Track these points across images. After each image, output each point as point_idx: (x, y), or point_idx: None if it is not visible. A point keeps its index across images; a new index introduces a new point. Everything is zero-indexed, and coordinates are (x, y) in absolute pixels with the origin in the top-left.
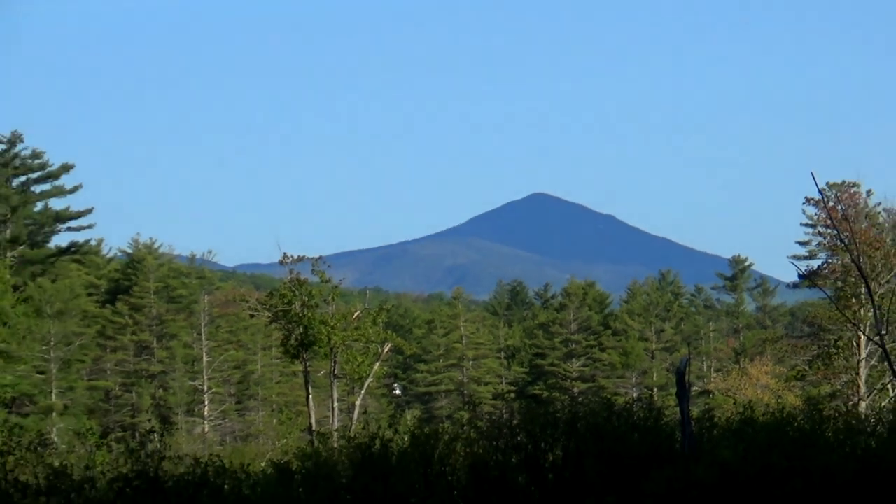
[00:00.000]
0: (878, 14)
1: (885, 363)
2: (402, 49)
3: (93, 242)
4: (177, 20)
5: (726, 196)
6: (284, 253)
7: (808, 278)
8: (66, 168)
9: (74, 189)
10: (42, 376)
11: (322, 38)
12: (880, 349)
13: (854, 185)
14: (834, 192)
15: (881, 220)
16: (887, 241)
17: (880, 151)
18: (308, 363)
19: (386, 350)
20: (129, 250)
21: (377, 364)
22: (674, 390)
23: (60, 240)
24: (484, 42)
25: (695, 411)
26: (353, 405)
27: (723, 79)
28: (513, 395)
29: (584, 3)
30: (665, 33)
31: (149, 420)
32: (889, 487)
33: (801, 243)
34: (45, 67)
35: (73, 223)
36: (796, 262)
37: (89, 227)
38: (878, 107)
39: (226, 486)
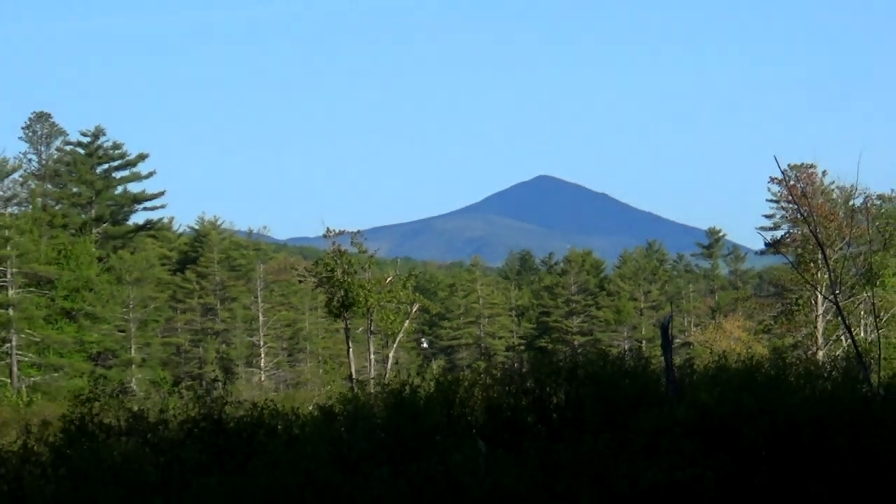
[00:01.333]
0: (845, 8)
1: (839, 318)
2: (418, 48)
3: (165, 220)
4: (219, 19)
5: (704, 176)
6: (328, 228)
7: (773, 246)
8: (141, 157)
9: (149, 175)
10: (123, 334)
11: (336, 34)
12: (834, 306)
13: (811, 166)
14: (794, 172)
15: (835, 196)
16: (840, 214)
17: (834, 136)
18: (348, 321)
19: (414, 310)
20: (196, 226)
21: (407, 322)
22: (659, 342)
23: (138, 218)
24: (494, 45)
25: (677, 360)
26: (387, 357)
27: (702, 75)
28: (522, 347)
29: (565, 7)
30: (646, 29)
31: (213, 371)
32: (842, 423)
33: (767, 216)
34: (123, 69)
35: (148, 204)
36: (763, 233)
37: (162, 206)
38: (834, 97)
39: (279, 427)
